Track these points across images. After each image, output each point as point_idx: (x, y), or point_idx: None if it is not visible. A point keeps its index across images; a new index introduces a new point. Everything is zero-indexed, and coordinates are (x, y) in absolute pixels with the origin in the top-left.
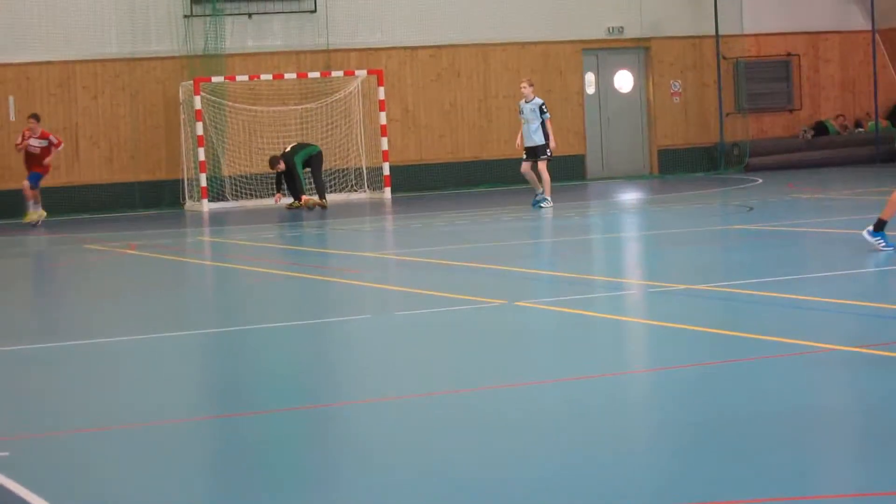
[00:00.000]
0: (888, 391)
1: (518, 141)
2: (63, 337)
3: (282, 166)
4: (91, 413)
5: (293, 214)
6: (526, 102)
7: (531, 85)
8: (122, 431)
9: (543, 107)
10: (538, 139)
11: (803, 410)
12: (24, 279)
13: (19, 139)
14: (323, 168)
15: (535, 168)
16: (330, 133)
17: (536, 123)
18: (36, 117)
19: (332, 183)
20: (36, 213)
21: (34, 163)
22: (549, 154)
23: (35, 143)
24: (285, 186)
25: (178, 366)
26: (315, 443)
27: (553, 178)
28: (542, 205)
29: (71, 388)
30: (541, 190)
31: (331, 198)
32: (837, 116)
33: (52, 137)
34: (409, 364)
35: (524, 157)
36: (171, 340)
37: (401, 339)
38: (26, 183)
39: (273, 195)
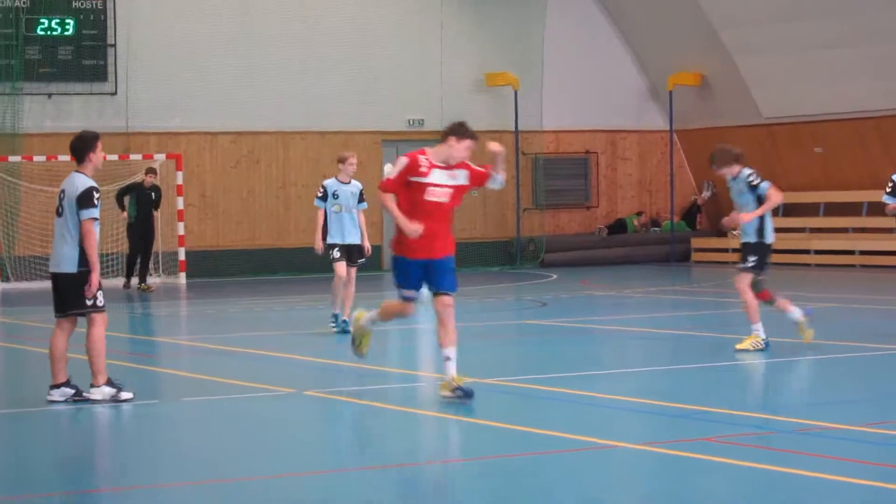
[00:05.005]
0: (671, 490)
1: (319, 241)
2: None
3: None
4: None
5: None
6: (345, 184)
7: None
8: None
9: (363, 193)
10: (357, 235)
11: None
12: None
13: None
14: (118, 251)
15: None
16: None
17: (355, 213)
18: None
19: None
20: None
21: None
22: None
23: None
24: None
25: None
26: None
27: None
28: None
29: None
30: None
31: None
32: (640, 214)
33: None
34: (189, 451)
35: (337, 256)
36: None
37: (185, 426)
38: None
39: None
